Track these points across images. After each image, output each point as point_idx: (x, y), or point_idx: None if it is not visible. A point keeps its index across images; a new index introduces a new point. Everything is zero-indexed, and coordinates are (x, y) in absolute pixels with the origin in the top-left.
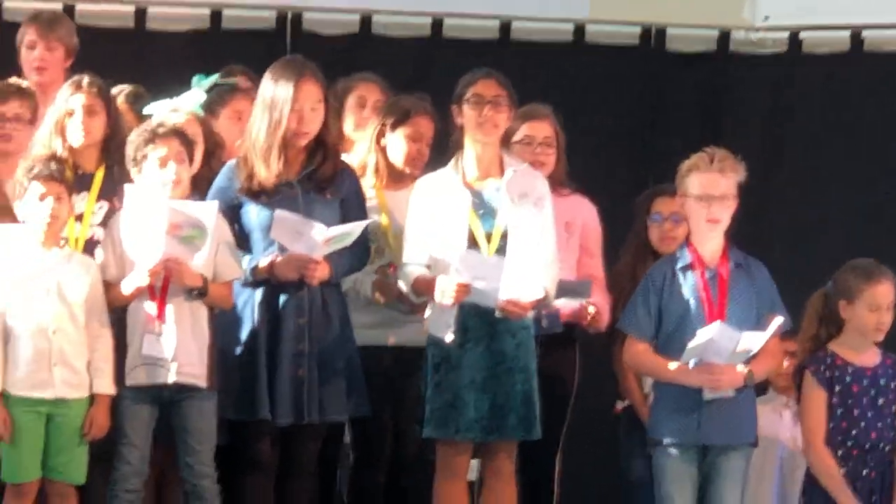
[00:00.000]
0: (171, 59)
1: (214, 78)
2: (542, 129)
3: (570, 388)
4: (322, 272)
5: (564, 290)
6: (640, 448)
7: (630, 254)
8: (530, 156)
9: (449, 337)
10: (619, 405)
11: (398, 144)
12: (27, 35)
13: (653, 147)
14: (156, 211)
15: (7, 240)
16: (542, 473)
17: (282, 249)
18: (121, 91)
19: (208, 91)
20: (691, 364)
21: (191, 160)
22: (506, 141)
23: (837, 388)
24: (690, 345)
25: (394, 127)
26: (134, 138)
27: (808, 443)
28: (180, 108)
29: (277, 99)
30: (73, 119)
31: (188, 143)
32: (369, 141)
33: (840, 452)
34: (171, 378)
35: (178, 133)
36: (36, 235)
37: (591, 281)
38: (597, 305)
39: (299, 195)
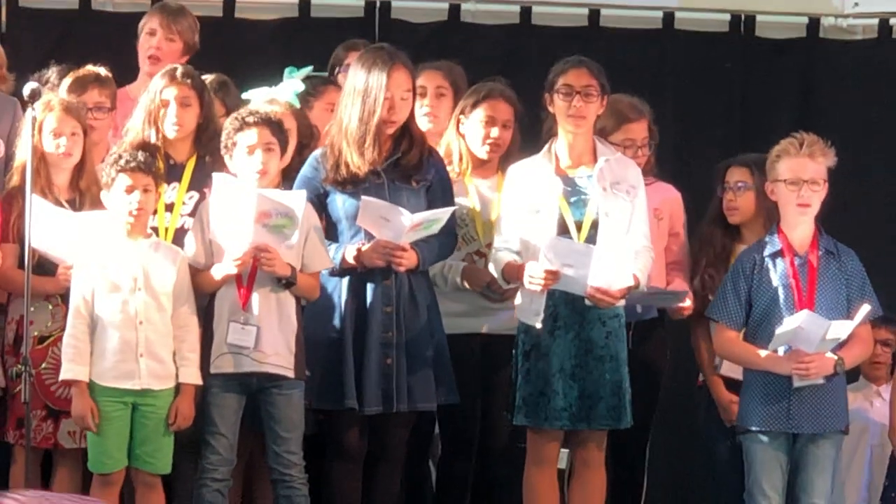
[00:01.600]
0: (259, 48)
1: (308, 69)
2: (640, 130)
3: (660, 375)
4: (409, 259)
5: (657, 298)
6: (720, 423)
7: (705, 223)
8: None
9: (537, 323)
10: (702, 378)
11: (474, 128)
12: (149, 22)
13: (743, 134)
14: (244, 199)
15: (94, 229)
16: (632, 461)
17: (368, 238)
18: (205, 80)
19: (302, 82)
20: (780, 351)
21: (283, 151)
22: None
23: None
24: (778, 332)
25: (469, 112)
26: (227, 124)
27: (893, 427)
28: (277, 98)
29: (371, 87)
30: (167, 111)
31: (280, 134)
32: (451, 130)
33: None
34: (257, 367)
35: (269, 122)
36: (122, 226)
37: (686, 291)
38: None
39: (385, 183)
